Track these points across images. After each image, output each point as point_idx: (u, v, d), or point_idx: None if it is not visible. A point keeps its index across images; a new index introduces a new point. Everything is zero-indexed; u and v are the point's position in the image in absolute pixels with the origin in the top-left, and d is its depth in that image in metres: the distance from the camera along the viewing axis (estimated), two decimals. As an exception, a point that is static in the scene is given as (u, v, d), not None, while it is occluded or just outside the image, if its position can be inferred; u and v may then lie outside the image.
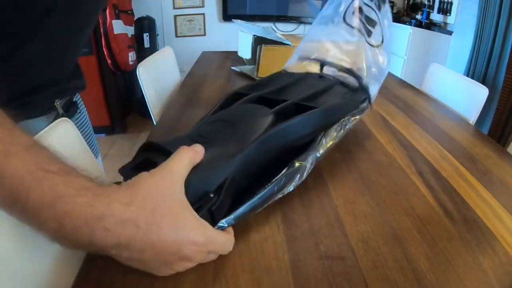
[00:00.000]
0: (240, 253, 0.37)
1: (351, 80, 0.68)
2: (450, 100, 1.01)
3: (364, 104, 0.63)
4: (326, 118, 0.53)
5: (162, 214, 0.30)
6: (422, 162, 0.60)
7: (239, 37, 1.24)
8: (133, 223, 0.28)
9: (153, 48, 2.51)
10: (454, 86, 1.07)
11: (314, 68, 0.74)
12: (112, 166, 0.47)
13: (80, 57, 0.59)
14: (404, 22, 2.64)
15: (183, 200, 0.32)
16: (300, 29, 2.85)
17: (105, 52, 2.04)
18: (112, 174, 0.44)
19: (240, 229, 0.40)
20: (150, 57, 1.10)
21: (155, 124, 0.90)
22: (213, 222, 0.35)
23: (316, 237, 0.40)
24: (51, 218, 0.26)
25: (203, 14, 2.78)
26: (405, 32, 2.43)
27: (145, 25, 2.44)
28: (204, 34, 2.84)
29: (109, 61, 2.07)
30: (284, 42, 1.08)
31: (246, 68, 1.19)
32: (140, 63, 0.99)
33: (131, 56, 2.18)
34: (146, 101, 0.97)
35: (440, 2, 2.46)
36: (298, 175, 0.44)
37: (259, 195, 0.39)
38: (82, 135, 0.54)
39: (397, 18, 2.77)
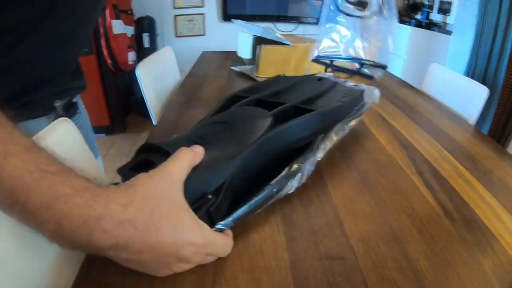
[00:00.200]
0: (239, 253, 0.37)
1: (350, 83, 0.68)
2: (450, 100, 1.01)
3: (363, 107, 0.63)
4: (325, 120, 0.53)
5: (161, 215, 0.30)
6: (422, 162, 0.60)
7: (239, 37, 1.24)
8: (131, 224, 0.28)
9: (153, 48, 2.51)
10: (454, 86, 1.07)
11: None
12: (112, 166, 0.47)
13: (80, 57, 0.59)
14: (404, 22, 2.64)
15: (182, 202, 0.32)
16: (299, 29, 2.85)
17: (105, 52, 2.03)
18: (112, 174, 0.44)
19: (240, 229, 0.40)
20: (150, 57, 1.09)
21: (154, 124, 0.91)
22: (211, 223, 0.35)
23: (315, 237, 0.40)
24: (50, 218, 0.26)
25: (203, 14, 2.78)
26: (405, 32, 2.43)
27: (145, 25, 2.45)
28: (204, 34, 2.84)
29: (109, 61, 2.07)
30: (284, 42, 1.08)
31: (246, 68, 1.19)
32: (140, 63, 0.98)
33: (131, 56, 2.18)
34: (146, 101, 0.97)
35: (440, 2, 2.45)
36: (298, 178, 0.44)
37: (258, 197, 0.39)
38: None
39: (397, 18, 2.77)
